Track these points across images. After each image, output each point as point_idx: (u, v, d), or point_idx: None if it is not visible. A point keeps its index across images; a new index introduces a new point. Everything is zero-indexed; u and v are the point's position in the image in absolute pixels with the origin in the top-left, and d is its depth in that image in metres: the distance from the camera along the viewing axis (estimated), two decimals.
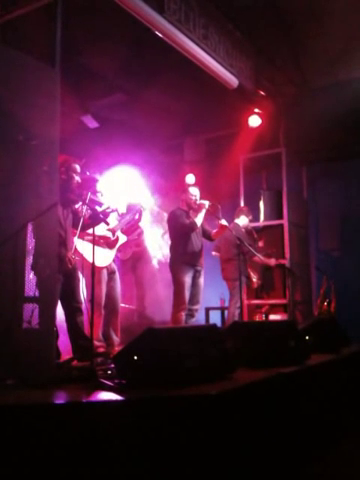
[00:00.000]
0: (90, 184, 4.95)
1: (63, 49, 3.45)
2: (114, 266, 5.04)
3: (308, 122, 6.65)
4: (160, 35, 4.58)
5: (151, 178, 7.17)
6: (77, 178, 4.20)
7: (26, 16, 3.73)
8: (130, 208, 5.94)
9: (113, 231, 5.04)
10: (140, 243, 7.00)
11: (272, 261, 6.37)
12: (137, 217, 5.38)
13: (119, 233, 5.11)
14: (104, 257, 4.85)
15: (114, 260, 5.05)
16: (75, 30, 4.45)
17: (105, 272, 4.88)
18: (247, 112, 6.80)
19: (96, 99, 6.38)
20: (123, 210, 5.27)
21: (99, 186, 5.01)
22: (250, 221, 6.48)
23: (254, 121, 6.83)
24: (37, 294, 3.18)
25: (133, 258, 6.93)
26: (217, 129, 7.48)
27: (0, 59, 3.05)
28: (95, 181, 5.01)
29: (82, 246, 4.43)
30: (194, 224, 5.21)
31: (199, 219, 5.25)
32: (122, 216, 5.35)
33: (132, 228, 5.49)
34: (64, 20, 3.48)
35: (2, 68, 3.03)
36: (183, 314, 5.14)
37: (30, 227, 3.14)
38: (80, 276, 4.21)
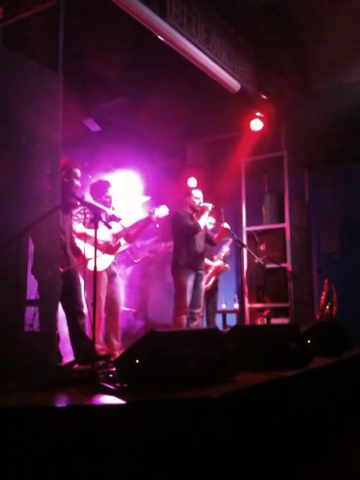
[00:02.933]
0: (102, 189, 4.95)
1: (65, 53, 3.46)
2: (115, 269, 4.96)
3: (310, 125, 6.66)
4: (162, 39, 4.59)
5: (152, 182, 7.17)
6: (77, 182, 4.19)
7: (28, 20, 3.74)
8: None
9: (116, 236, 4.93)
10: (155, 250, 6.96)
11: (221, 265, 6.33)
12: (145, 220, 5.04)
13: (122, 240, 4.97)
14: (102, 260, 4.76)
15: (115, 263, 4.98)
16: (77, 34, 4.47)
17: (105, 275, 4.81)
18: (249, 116, 6.80)
19: (98, 103, 6.40)
20: (128, 221, 5.08)
21: (110, 191, 4.99)
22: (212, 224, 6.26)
23: (256, 125, 6.83)
24: (38, 297, 3.19)
25: (144, 263, 6.93)
26: (219, 133, 7.49)
27: (2, 63, 3.06)
28: (107, 186, 5.00)
29: (83, 248, 4.41)
30: (197, 226, 5.22)
31: (202, 221, 5.26)
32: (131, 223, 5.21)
33: (142, 231, 5.18)
34: (66, 24, 3.49)
35: (5, 72, 3.04)
36: (184, 317, 5.13)
37: (32, 230, 3.14)
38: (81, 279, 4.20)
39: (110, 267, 4.88)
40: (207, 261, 5.91)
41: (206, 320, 6.18)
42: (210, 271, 6.10)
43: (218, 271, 6.27)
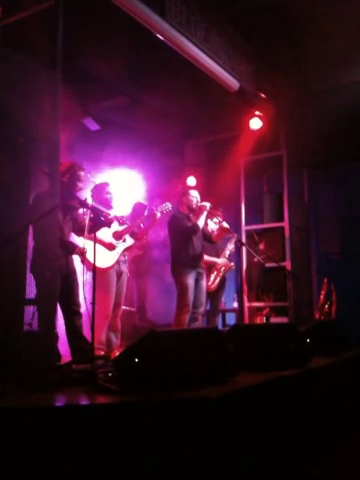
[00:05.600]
0: (102, 189, 4.95)
1: (64, 52, 3.45)
2: (123, 267, 4.88)
3: (309, 125, 6.66)
4: (161, 38, 4.59)
5: (152, 181, 7.16)
6: (81, 185, 4.21)
7: (28, 19, 3.73)
8: (135, 208, 5.85)
9: (119, 234, 4.87)
10: (143, 246, 6.93)
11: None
12: (150, 219, 5.06)
13: (127, 237, 4.92)
14: (106, 258, 4.72)
15: (124, 261, 4.91)
16: (76, 33, 4.46)
17: (114, 274, 4.75)
18: (248, 115, 6.79)
19: (97, 102, 6.39)
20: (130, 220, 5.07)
21: (110, 189, 4.98)
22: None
23: (255, 124, 6.82)
24: (37, 296, 3.18)
25: (135, 261, 6.91)
26: (218, 132, 7.49)
27: (2, 62, 3.06)
28: (106, 185, 5.04)
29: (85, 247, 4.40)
30: (196, 226, 5.20)
31: (201, 221, 5.24)
32: (131, 218, 5.20)
33: (150, 228, 5.21)
34: (65, 23, 3.48)
35: (3, 70, 3.04)
36: (187, 317, 5.11)
37: (31, 229, 3.14)
38: (81, 278, 4.20)
39: (119, 265, 4.82)
40: (212, 259, 5.88)
41: (207, 320, 6.17)
42: (215, 272, 5.99)
43: (225, 270, 6.10)
